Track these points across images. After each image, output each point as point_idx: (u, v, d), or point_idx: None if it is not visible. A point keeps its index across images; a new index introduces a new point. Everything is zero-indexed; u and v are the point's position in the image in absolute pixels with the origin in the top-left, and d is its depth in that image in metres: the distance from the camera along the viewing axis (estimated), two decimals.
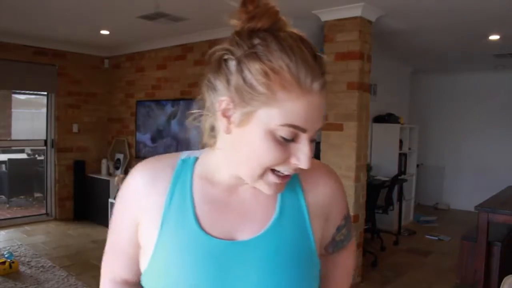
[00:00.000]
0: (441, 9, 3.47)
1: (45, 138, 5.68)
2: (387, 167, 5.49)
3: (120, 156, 5.74)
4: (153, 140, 5.29)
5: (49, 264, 3.94)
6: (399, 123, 5.65)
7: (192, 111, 0.73)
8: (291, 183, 0.74)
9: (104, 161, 5.81)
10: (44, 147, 5.69)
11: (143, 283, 0.75)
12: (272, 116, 0.61)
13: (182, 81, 5.01)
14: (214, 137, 0.72)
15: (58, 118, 5.61)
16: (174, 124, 5.02)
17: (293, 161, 0.64)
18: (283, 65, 0.60)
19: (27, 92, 6.89)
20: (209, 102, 0.69)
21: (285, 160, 0.64)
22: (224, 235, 0.71)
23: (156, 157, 0.79)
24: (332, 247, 0.87)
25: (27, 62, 5.25)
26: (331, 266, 0.92)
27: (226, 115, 0.65)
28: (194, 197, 0.73)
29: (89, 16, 4.07)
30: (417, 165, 6.52)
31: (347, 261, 0.95)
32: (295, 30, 0.65)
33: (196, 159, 0.76)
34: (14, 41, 5.09)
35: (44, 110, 5.76)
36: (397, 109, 6.14)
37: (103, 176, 5.60)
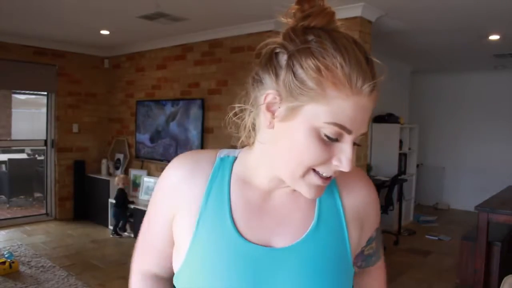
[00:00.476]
0: (441, 9, 3.47)
1: (45, 138, 5.68)
2: (387, 167, 5.49)
3: (120, 156, 5.74)
4: (152, 140, 5.29)
5: (49, 264, 3.94)
6: (399, 123, 5.65)
7: (234, 105, 0.71)
8: (328, 186, 0.72)
9: (104, 161, 5.81)
10: (44, 147, 5.69)
11: (175, 282, 0.74)
12: (319, 112, 0.60)
13: (182, 81, 5.01)
14: (253, 136, 0.71)
15: (58, 118, 5.61)
16: (173, 124, 5.02)
17: (335, 162, 0.63)
18: (337, 63, 0.59)
19: (27, 92, 6.90)
20: (253, 97, 0.67)
21: (327, 161, 0.63)
22: (260, 240, 0.70)
23: (194, 151, 0.79)
24: (360, 261, 0.82)
25: (27, 62, 5.25)
26: (363, 286, 0.87)
27: (270, 109, 0.64)
28: (232, 198, 0.72)
29: (89, 16, 4.07)
30: (417, 165, 6.52)
31: (378, 282, 0.88)
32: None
33: (235, 158, 0.75)
34: (14, 41, 5.09)
35: (44, 110, 5.76)
36: (397, 109, 6.13)
37: (103, 176, 5.60)
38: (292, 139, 0.63)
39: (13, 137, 7.64)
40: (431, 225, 6.02)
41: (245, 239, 0.69)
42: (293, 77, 0.61)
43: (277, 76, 0.63)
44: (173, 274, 0.79)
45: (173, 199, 0.73)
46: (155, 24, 4.21)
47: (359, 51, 0.61)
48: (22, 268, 3.82)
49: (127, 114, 5.79)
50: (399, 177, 5.14)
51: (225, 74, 4.53)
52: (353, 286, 0.77)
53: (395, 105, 6.20)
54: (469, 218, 6.03)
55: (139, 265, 0.85)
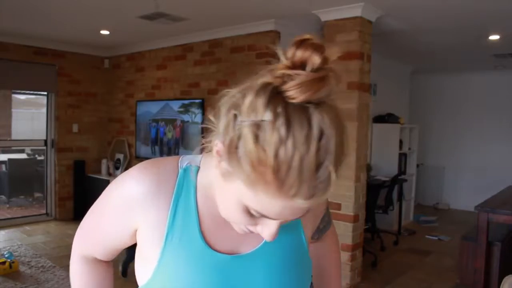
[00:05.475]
0: (441, 9, 3.47)
1: (45, 138, 5.68)
2: (387, 167, 5.49)
3: (120, 156, 5.74)
4: (152, 140, 5.29)
5: (49, 264, 3.94)
6: (399, 123, 5.65)
7: (207, 125, 0.65)
8: None
9: (104, 161, 5.81)
10: (44, 147, 5.69)
11: None
12: (247, 195, 0.57)
13: (182, 81, 5.01)
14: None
15: (58, 118, 5.61)
16: (173, 124, 5.02)
17: (258, 228, 0.63)
18: (274, 165, 0.52)
19: (27, 92, 6.89)
20: (222, 124, 0.60)
21: (251, 226, 0.63)
22: (228, 249, 0.73)
23: (157, 161, 0.75)
24: (317, 234, 0.92)
25: (27, 62, 5.25)
26: (320, 255, 1.01)
27: (218, 155, 0.60)
28: (199, 212, 0.72)
29: (89, 16, 4.07)
30: (417, 165, 6.51)
31: (333, 247, 1.03)
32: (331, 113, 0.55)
33: (198, 168, 0.73)
34: (14, 41, 5.09)
35: (44, 110, 5.76)
36: (397, 109, 6.14)
37: (103, 176, 5.60)
38: (226, 197, 0.62)
39: (13, 137, 7.63)
40: (431, 225, 6.02)
41: (213, 249, 0.71)
42: (235, 150, 0.55)
43: (227, 135, 0.57)
44: (112, 258, 0.86)
45: (136, 213, 0.71)
46: (155, 24, 4.21)
47: (315, 154, 0.52)
48: (22, 268, 3.82)
49: (127, 114, 5.79)
50: (399, 177, 5.14)
51: (225, 74, 4.53)
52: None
53: (395, 105, 6.20)
54: (469, 218, 6.03)
55: (82, 250, 0.85)
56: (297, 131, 0.52)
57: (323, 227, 0.92)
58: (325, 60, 0.55)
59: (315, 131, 0.53)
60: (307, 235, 0.80)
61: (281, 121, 0.52)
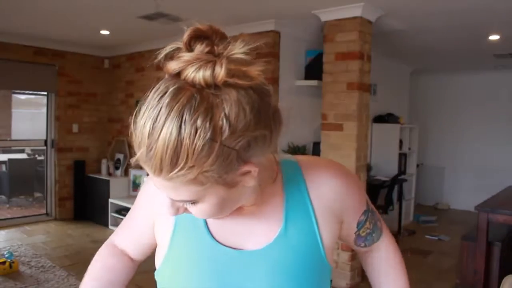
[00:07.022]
0: (441, 9, 3.47)
1: (45, 138, 5.68)
2: (387, 167, 5.49)
3: (120, 156, 5.74)
4: None
5: (49, 264, 3.94)
6: (399, 123, 5.65)
7: None
8: (297, 188, 0.74)
9: (104, 161, 5.80)
10: (44, 147, 5.69)
11: (156, 278, 0.79)
12: None
13: None
14: None
15: (58, 118, 5.61)
16: None
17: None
18: (133, 127, 0.56)
19: (27, 92, 6.90)
20: None
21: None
22: (232, 244, 0.73)
23: None
24: (362, 242, 0.86)
25: (27, 62, 5.25)
26: (374, 260, 0.92)
27: None
28: None
29: (89, 16, 4.07)
30: (417, 165, 6.51)
31: (387, 253, 0.91)
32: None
33: None
34: (14, 41, 5.08)
35: (44, 110, 5.76)
36: (397, 109, 6.14)
37: (103, 176, 5.60)
38: None
39: (13, 137, 7.65)
40: (431, 225, 6.02)
41: (218, 242, 0.73)
42: None
43: None
44: (141, 258, 0.93)
45: (152, 207, 0.81)
46: (155, 24, 4.20)
47: (152, 122, 0.53)
48: (22, 268, 3.82)
49: (127, 114, 5.78)
50: (399, 177, 5.14)
51: None
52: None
53: (395, 105, 6.20)
54: (469, 218, 6.03)
55: (115, 237, 0.94)
56: (152, 98, 0.55)
57: (367, 235, 0.85)
58: (187, 44, 0.56)
59: (164, 100, 0.53)
60: (326, 240, 0.75)
61: (155, 90, 0.55)
